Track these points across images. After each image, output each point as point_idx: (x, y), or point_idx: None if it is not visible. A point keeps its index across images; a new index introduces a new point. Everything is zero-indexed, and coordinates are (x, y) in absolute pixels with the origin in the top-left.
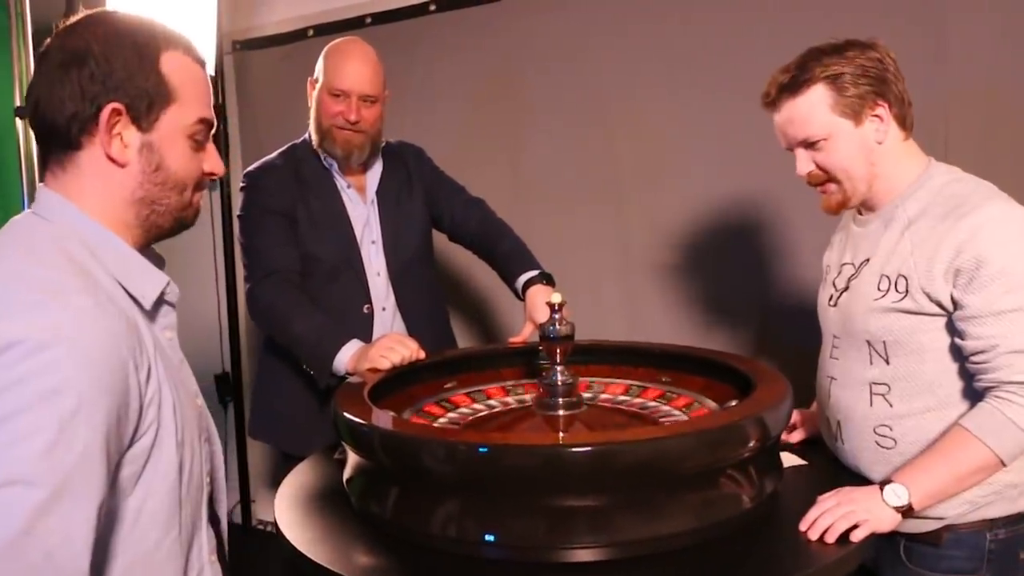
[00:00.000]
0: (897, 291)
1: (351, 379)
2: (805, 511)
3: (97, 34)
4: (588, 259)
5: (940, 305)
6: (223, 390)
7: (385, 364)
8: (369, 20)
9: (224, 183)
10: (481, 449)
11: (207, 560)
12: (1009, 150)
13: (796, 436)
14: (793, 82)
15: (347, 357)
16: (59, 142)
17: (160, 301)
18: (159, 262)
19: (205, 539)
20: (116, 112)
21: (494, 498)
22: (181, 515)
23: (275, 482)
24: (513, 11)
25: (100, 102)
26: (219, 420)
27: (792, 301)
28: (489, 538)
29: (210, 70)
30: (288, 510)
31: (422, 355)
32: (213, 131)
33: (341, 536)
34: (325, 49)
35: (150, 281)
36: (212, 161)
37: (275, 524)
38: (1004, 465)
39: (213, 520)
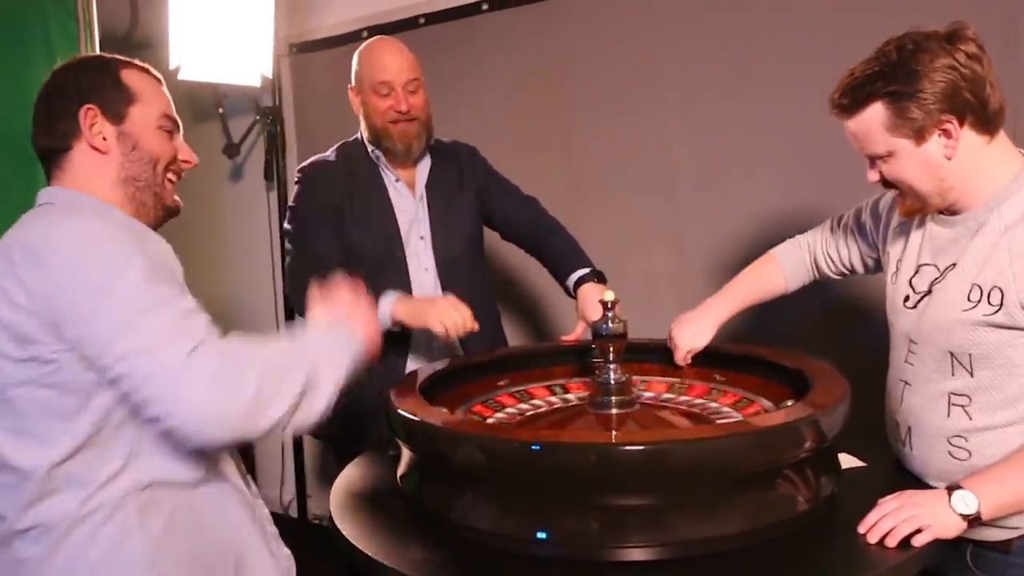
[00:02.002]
0: (990, 303)
1: (404, 380)
2: (864, 514)
3: (67, 70)
4: (641, 258)
5: None
6: None
7: (440, 329)
8: (423, 20)
9: (280, 183)
10: (534, 447)
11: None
12: None
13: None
14: (853, 97)
15: (387, 304)
16: (55, 150)
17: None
18: None
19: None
20: (90, 111)
21: (546, 496)
22: None
23: (329, 477)
24: (566, 9)
25: (76, 107)
26: None
27: (852, 301)
28: (541, 535)
29: (267, 72)
30: (342, 504)
31: (475, 327)
32: (180, 130)
33: (394, 530)
34: (355, 55)
35: (155, 246)
36: (184, 151)
37: (330, 518)
38: None
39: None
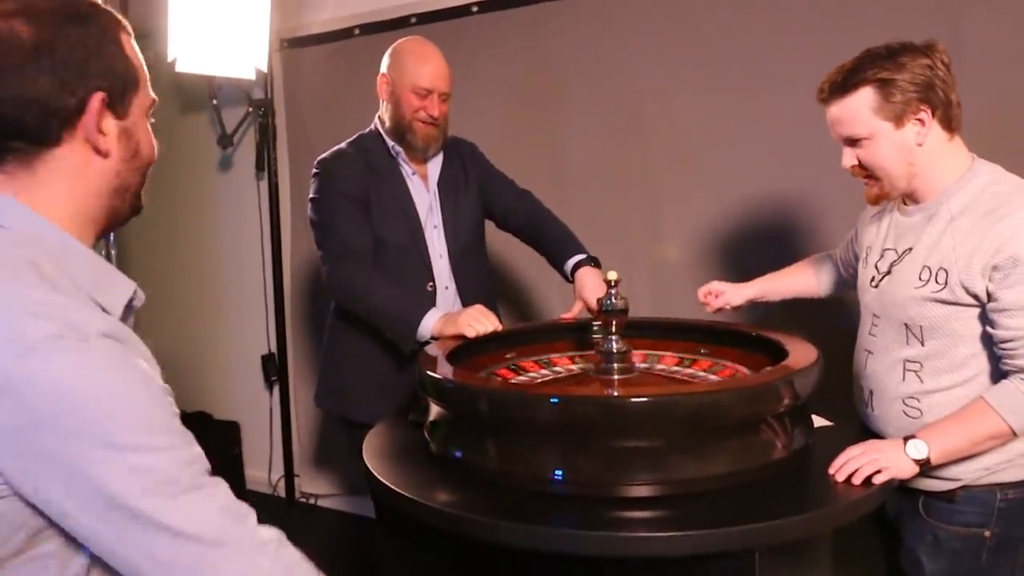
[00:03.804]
0: (937, 282)
1: (429, 346)
2: (832, 460)
3: (55, 19)
4: (623, 251)
5: (976, 297)
6: (269, 370)
7: (471, 332)
8: (414, 20)
9: (271, 173)
10: (553, 400)
11: None
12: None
13: (719, 302)
14: (844, 82)
15: (432, 323)
16: (30, 139)
17: (128, 308)
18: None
19: None
20: (103, 101)
21: (563, 442)
22: None
23: (318, 456)
24: (552, 12)
25: (83, 92)
26: (265, 399)
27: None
28: (558, 475)
29: (262, 66)
30: (375, 456)
31: (500, 328)
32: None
33: (425, 476)
34: (398, 48)
35: (119, 289)
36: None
37: (367, 472)
38: (1015, 436)
39: None
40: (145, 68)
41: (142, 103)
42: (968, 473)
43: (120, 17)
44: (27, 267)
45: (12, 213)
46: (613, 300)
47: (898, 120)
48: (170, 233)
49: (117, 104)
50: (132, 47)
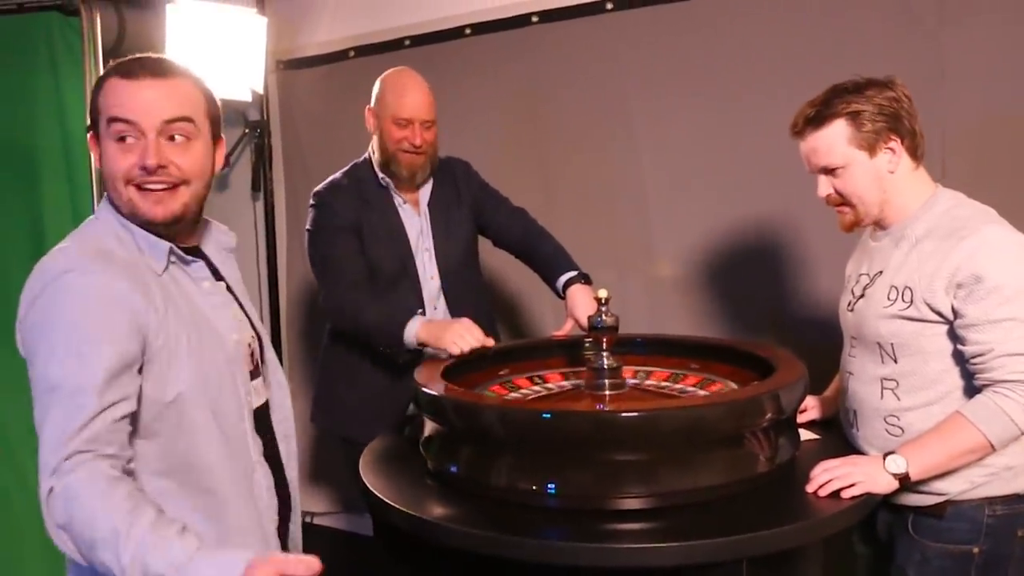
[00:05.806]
0: (903, 301)
1: (427, 351)
2: None
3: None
4: (614, 268)
5: (940, 314)
6: None
7: (455, 350)
8: (408, 42)
9: (267, 193)
10: (544, 415)
11: (255, 460)
12: (1004, 171)
13: (806, 416)
14: (817, 116)
15: (415, 328)
16: None
17: (170, 263)
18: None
19: (251, 445)
20: (91, 136)
21: (555, 456)
22: (217, 423)
23: (315, 476)
24: (544, 34)
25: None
26: None
27: (807, 307)
28: (551, 488)
29: (258, 88)
30: (372, 475)
31: (489, 343)
32: (151, 130)
33: (421, 492)
34: (381, 80)
35: (158, 249)
36: (145, 156)
37: (364, 487)
38: (993, 449)
39: (262, 432)
40: (109, 91)
41: (103, 124)
42: (952, 487)
43: (111, 67)
44: (90, 239)
45: (104, 208)
46: (603, 317)
47: (871, 149)
48: None
49: (96, 133)
50: (107, 88)
